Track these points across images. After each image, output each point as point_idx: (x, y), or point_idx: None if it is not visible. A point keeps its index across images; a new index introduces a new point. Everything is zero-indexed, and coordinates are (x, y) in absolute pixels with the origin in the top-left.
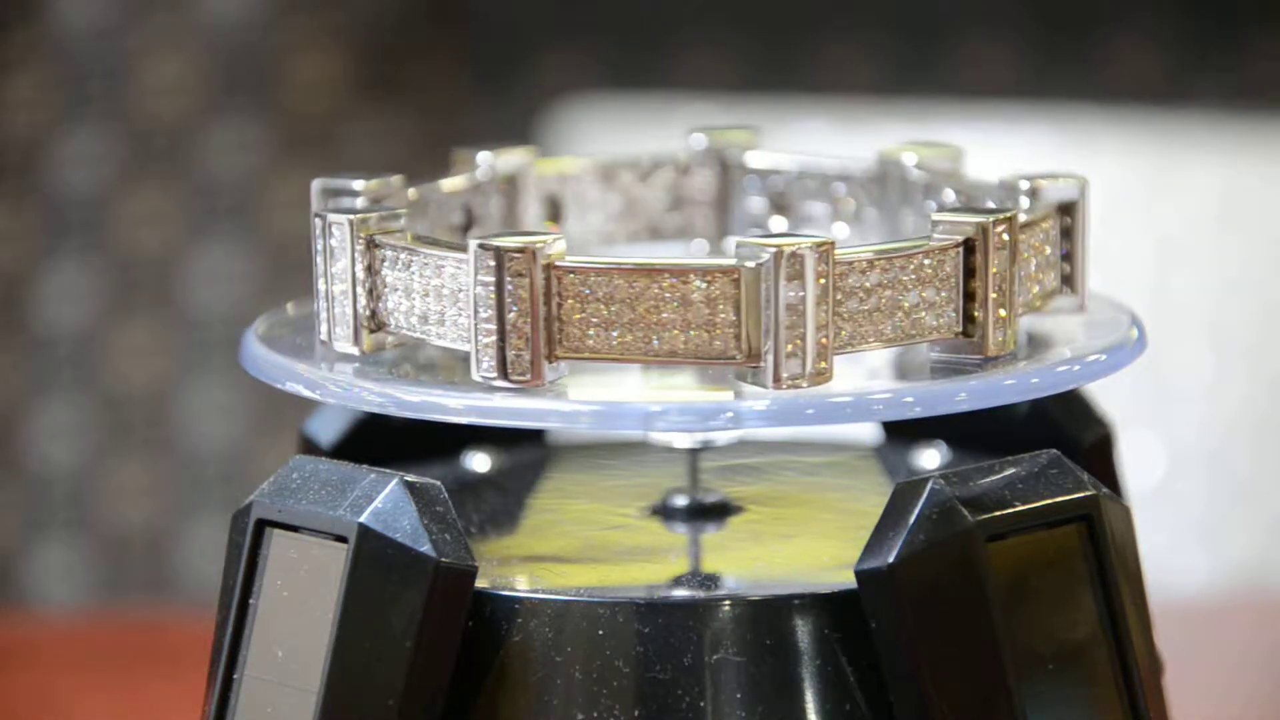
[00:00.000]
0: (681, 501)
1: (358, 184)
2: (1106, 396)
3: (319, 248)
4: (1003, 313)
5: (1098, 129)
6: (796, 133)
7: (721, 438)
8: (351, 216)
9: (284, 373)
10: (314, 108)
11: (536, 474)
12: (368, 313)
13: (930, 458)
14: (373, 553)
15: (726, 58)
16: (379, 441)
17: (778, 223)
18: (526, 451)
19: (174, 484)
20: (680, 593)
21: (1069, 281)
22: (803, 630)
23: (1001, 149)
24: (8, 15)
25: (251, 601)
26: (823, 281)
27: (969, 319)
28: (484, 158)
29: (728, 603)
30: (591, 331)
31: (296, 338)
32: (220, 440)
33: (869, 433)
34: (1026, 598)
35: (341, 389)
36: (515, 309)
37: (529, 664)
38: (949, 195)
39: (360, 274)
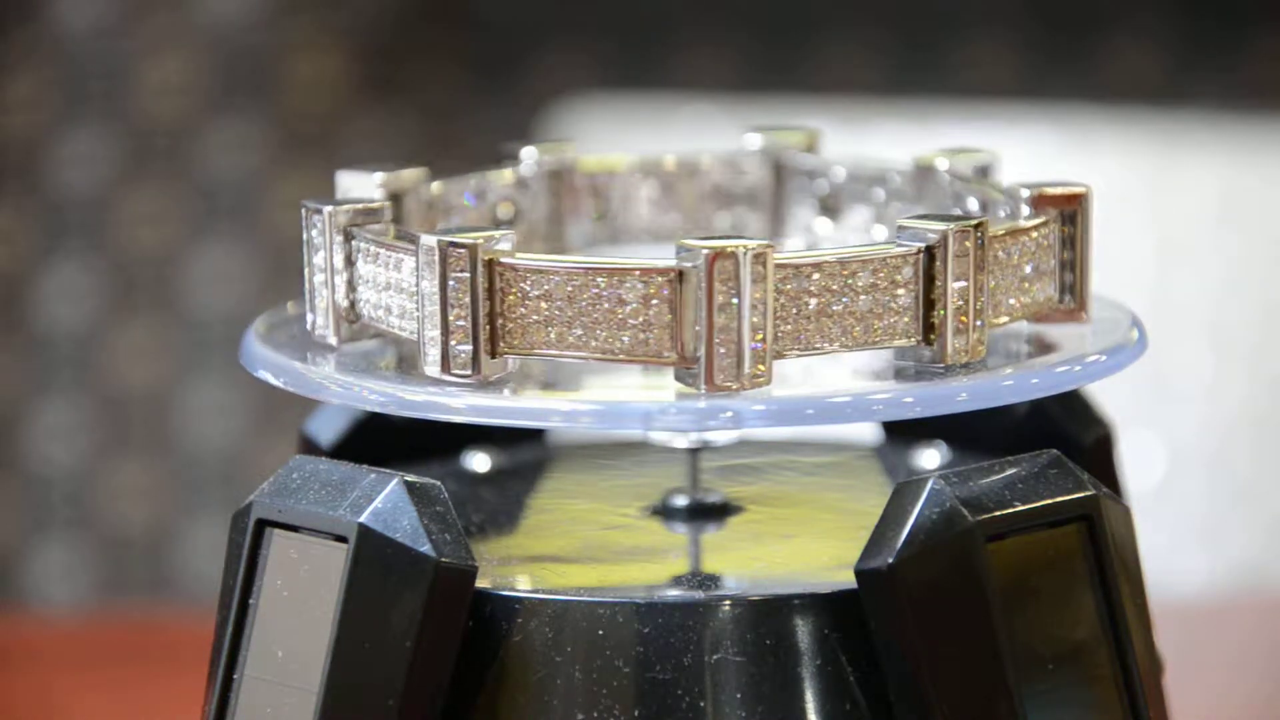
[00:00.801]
0: (681, 501)
1: (377, 176)
2: (1106, 396)
3: (304, 238)
4: (964, 320)
5: (1098, 129)
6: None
7: (721, 438)
8: (330, 208)
9: (284, 372)
10: (314, 108)
11: (536, 474)
12: (346, 303)
13: (930, 458)
14: (373, 553)
15: (726, 58)
16: (379, 441)
17: (822, 225)
18: (526, 451)
19: (174, 484)
20: (680, 593)
21: (1071, 291)
22: (803, 630)
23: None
24: (8, 15)
25: (251, 601)
26: (759, 285)
27: (929, 326)
28: (529, 152)
29: (728, 603)
30: (533, 328)
31: (297, 337)
32: (220, 440)
33: (869, 433)
34: (1026, 598)
35: (343, 388)
36: (456, 305)
37: (529, 664)
38: (972, 202)
39: (339, 265)
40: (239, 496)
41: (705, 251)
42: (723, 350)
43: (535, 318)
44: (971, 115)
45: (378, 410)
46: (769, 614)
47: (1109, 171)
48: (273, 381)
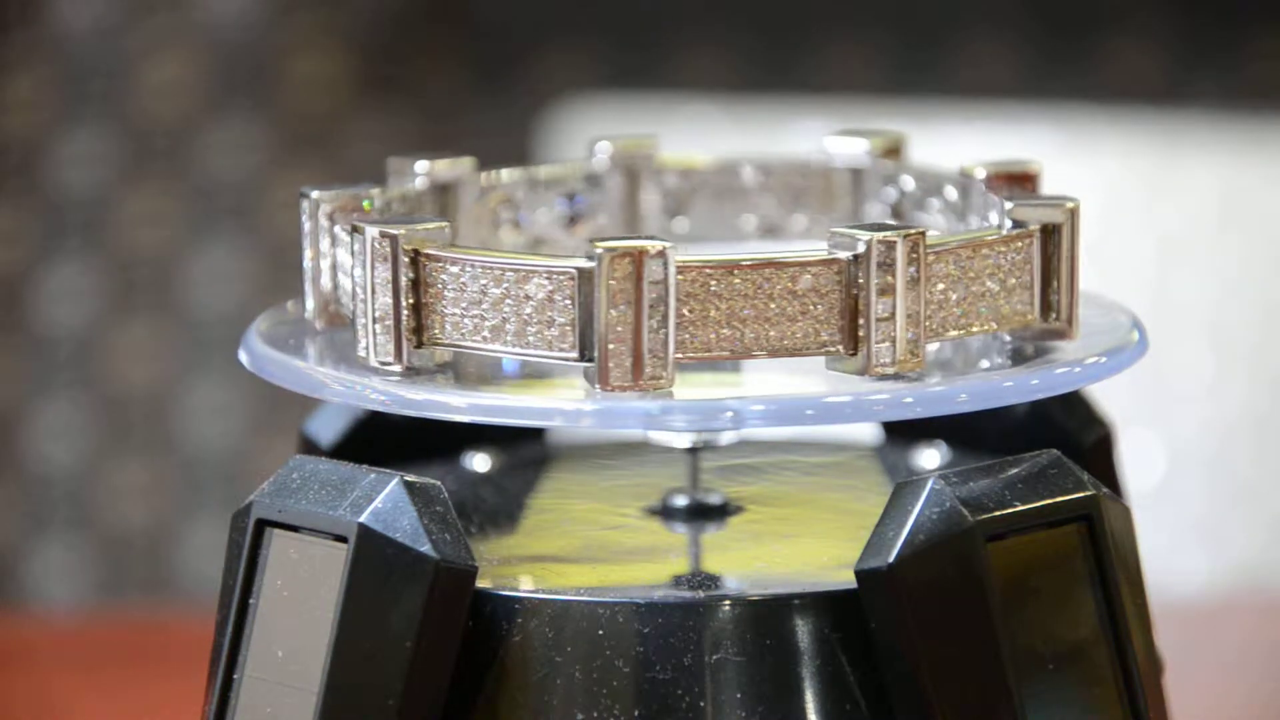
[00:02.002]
0: (681, 501)
1: (421, 164)
2: (1107, 396)
3: (300, 224)
4: (888, 332)
5: (1098, 129)
6: (796, 133)
7: (721, 438)
8: (318, 193)
9: (285, 371)
10: (314, 108)
11: (536, 474)
12: (330, 287)
13: (930, 458)
14: (373, 553)
15: (726, 58)
16: (379, 441)
17: None
18: (526, 451)
19: (174, 484)
20: (680, 593)
21: (1053, 307)
22: (803, 630)
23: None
24: (8, 15)
25: (251, 601)
26: (657, 285)
27: (853, 337)
28: (602, 147)
29: (728, 603)
30: (450, 321)
31: (298, 336)
32: (220, 440)
33: (869, 433)
34: (1026, 598)
35: (344, 387)
36: (381, 294)
37: (529, 664)
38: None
39: (325, 250)
40: (239, 496)
41: (601, 251)
42: (620, 350)
43: (454, 310)
44: (971, 115)
45: (379, 409)
46: (769, 614)
47: (1109, 171)
48: (273, 380)
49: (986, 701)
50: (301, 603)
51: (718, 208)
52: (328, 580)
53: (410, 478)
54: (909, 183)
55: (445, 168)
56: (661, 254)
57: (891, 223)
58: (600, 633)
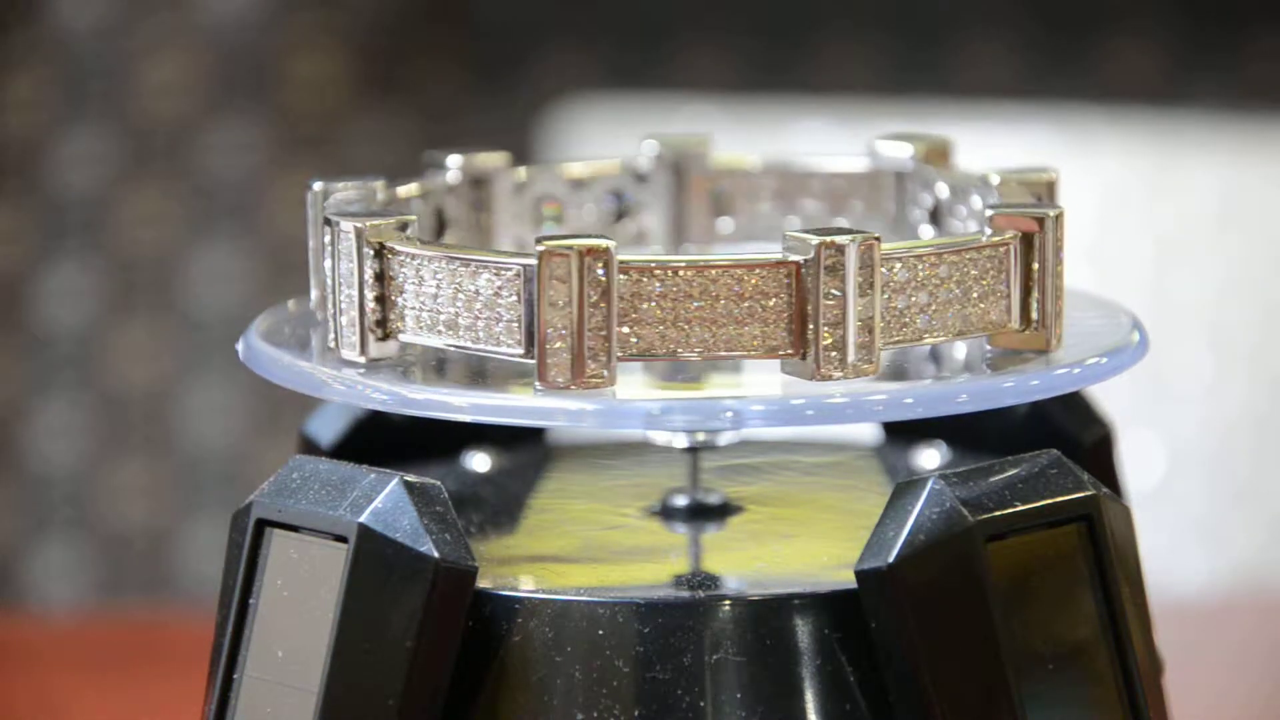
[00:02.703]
0: (681, 501)
1: (452, 158)
2: (1107, 397)
3: (305, 215)
4: (838, 337)
5: (1098, 129)
6: (796, 133)
7: (721, 438)
8: (319, 186)
9: (286, 370)
10: (314, 108)
11: (536, 474)
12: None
13: (930, 458)
14: (373, 553)
15: (726, 58)
16: (379, 441)
17: (925, 233)
18: (526, 451)
19: (174, 484)
20: (680, 593)
21: (1033, 316)
22: (803, 630)
23: (1001, 149)
24: (8, 15)
25: (251, 601)
26: (596, 286)
27: (802, 341)
28: (649, 146)
29: (728, 603)
30: (411, 314)
31: (299, 335)
32: (220, 440)
33: (869, 433)
34: (1026, 598)
35: (345, 386)
36: (347, 285)
37: (529, 664)
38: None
39: (327, 243)
40: (239, 496)
41: (542, 249)
42: (560, 347)
43: (415, 304)
44: (971, 115)
45: (380, 408)
46: (769, 614)
47: (1109, 171)
48: (274, 379)
49: (986, 701)
50: (301, 603)
51: (763, 209)
52: (328, 580)
53: (410, 478)
54: (943, 190)
55: (480, 161)
56: (603, 252)
57: (849, 227)
58: (600, 633)
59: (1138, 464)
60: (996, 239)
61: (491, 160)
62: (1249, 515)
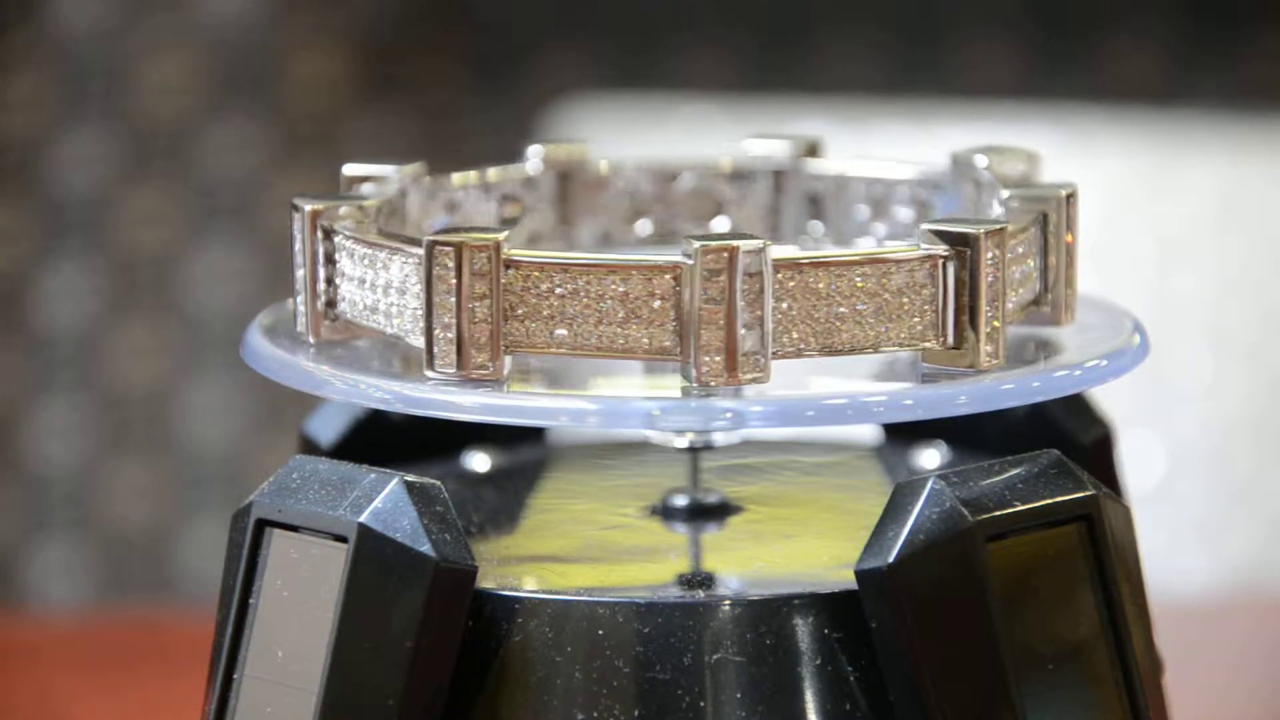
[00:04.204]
0: (681, 501)
1: (535, 149)
2: (1107, 397)
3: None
4: (719, 343)
5: (1098, 129)
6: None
7: (721, 438)
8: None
9: (287, 368)
10: (314, 108)
11: (536, 474)
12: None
13: (930, 458)
14: (373, 553)
15: (726, 58)
16: (379, 441)
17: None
18: (526, 451)
19: (174, 484)
20: (680, 593)
21: (962, 333)
22: (803, 630)
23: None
24: (8, 15)
25: (251, 601)
26: (484, 279)
27: (686, 344)
28: (753, 145)
29: (728, 603)
30: (346, 298)
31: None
32: (220, 440)
33: (869, 433)
34: (1026, 598)
35: (346, 385)
36: (299, 266)
37: (529, 664)
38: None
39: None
40: (239, 496)
41: (428, 240)
42: (447, 338)
43: (350, 289)
44: (971, 115)
45: (381, 407)
46: (769, 614)
47: (1109, 171)
48: (275, 378)
49: (986, 701)
50: (301, 603)
51: (852, 211)
52: (328, 580)
53: (410, 478)
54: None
55: (563, 153)
56: (487, 246)
57: (749, 234)
58: (600, 633)
59: (1138, 464)
60: (899, 254)
61: (574, 152)
62: (1249, 515)
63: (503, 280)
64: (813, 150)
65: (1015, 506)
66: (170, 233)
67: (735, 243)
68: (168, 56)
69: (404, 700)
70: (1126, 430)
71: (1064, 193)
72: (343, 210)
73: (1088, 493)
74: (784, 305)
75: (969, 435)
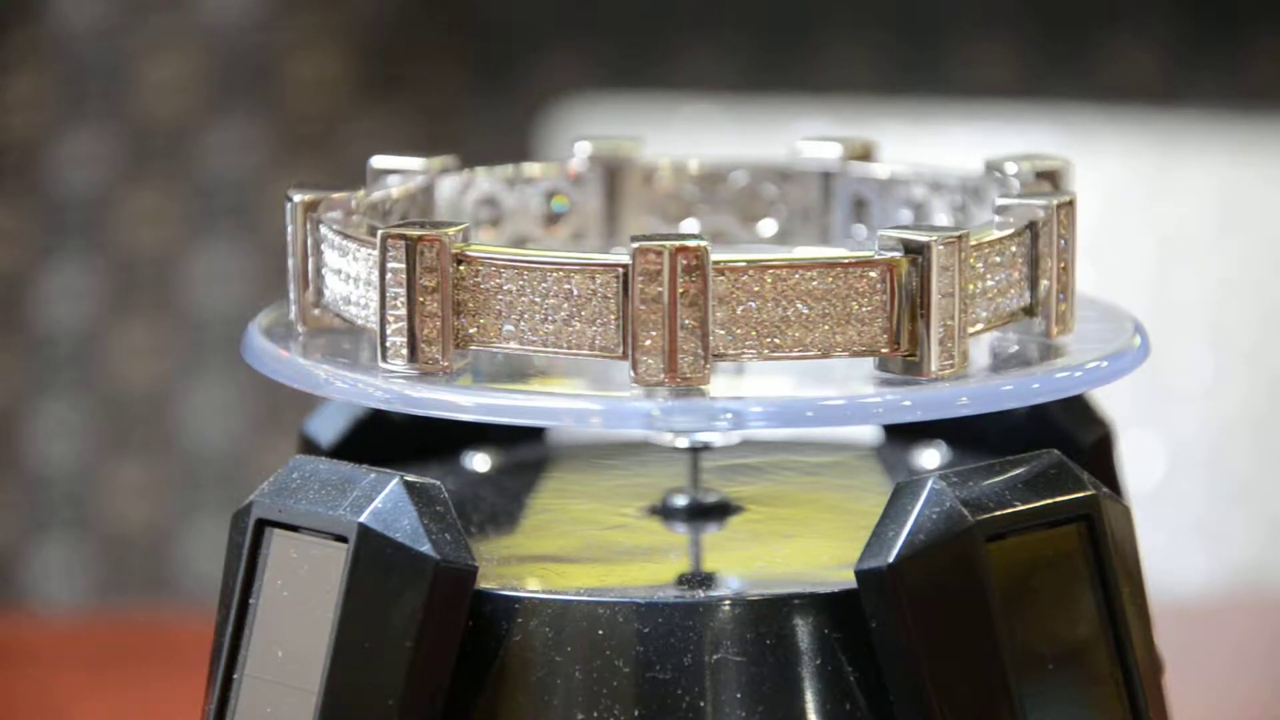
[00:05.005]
0: (681, 501)
1: (580, 149)
2: (1107, 397)
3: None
4: (658, 343)
5: (1098, 129)
6: (796, 133)
7: (721, 438)
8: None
9: (287, 367)
10: (314, 108)
11: (536, 474)
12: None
13: (930, 458)
14: (373, 553)
15: (726, 58)
16: (379, 441)
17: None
18: (526, 451)
19: (174, 484)
20: (680, 593)
21: (910, 338)
22: (803, 630)
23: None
24: (8, 15)
25: (251, 601)
26: (432, 273)
27: (627, 343)
28: (805, 147)
29: (728, 603)
30: (328, 292)
31: (300, 332)
32: (220, 440)
33: (869, 433)
34: (1026, 598)
35: (347, 385)
36: (293, 258)
37: (529, 664)
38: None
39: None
40: (239, 496)
41: (381, 232)
42: (398, 330)
43: (330, 281)
44: (971, 115)
45: (381, 407)
46: (769, 614)
47: (1109, 171)
48: (275, 377)
49: (986, 701)
50: (301, 603)
51: (895, 215)
52: (328, 580)
53: (410, 478)
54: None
55: (611, 149)
56: (434, 241)
57: (693, 235)
58: (600, 633)
59: (1138, 464)
60: (846, 259)
61: (623, 148)
62: (1249, 515)
63: (453, 275)
64: (866, 153)
65: (1015, 506)
66: (170, 233)
67: (673, 243)
68: (168, 56)
69: (404, 700)
70: (1126, 430)
71: (1055, 203)
72: (321, 198)
73: (1088, 493)
74: (727, 307)
75: (969, 435)
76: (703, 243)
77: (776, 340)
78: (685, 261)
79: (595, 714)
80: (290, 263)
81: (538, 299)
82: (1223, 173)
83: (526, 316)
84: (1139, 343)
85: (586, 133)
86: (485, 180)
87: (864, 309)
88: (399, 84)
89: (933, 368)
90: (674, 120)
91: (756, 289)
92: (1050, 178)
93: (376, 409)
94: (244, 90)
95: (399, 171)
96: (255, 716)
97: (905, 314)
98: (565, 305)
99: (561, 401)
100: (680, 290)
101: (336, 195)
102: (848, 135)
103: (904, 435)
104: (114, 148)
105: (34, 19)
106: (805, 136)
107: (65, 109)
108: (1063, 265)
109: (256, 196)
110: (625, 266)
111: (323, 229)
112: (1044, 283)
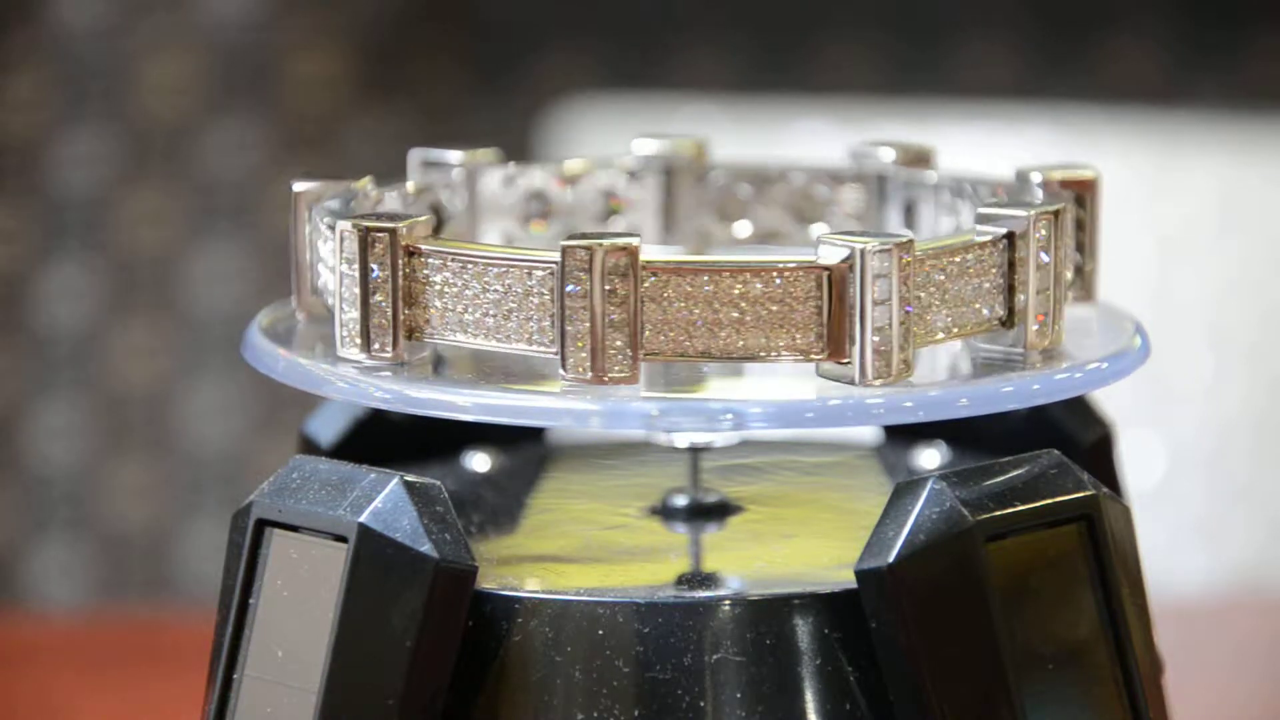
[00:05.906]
0: (681, 501)
1: (639, 143)
2: (1107, 397)
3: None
4: (589, 344)
5: (1098, 129)
6: (796, 133)
7: (721, 438)
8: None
9: (287, 367)
10: (314, 108)
11: (536, 474)
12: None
13: (930, 458)
14: (373, 553)
15: (726, 58)
16: (379, 441)
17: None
18: (526, 451)
19: (174, 484)
20: (680, 593)
21: (844, 351)
22: (803, 630)
23: (1001, 149)
24: (8, 15)
25: (251, 601)
26: (383, 266)
27: (561, 340)
28: (860, 149)
29: (728, 603)
30: (320, 281)
31: (300, 332)
32: (220, 440)
33: (869, 433)
34: (1026, 598)
35: (347, 384)
36: (294, 248)
37: (529, 664)
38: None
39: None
40: (239, 496)
41: (339, 225)
42: (352, 319)
43: (321, 268)
44: (971, 115)
45: (381, 407)
46: (769, 614)
47: (1109, 171)
48: (276, 376)
49: (986, 701)
50: (301, 603)
51: (939, 221)
52: (328, 580)
53: (410, 478)
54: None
55: (670, 148)
56: (383, 233)
57: (628, 233)
58: (600, 633)
59: (1138, 464)
60: (776, 266)
61: (678, 148)
62: (1249, 515)
63: (403, 267)
64: (924, 157)
65: (1015, 506)
66: (170, 233)
67: (600, 242)
68: (168, 56)
69: (404, 700)
70: (1126, 430)
71: (1034, 213)
72: (315, 190)
73: (1088, 493)
74: (657, 307)
75: (969, 435)
76: (634, 242)
77: (709, 342)
78: (615, 261)
79: (595, 714)
80: (292, 251)
81: (479, 293)
82: (1223, 173)
83: (469, 310)
84: (1139, 343)
85: (587, 133)
86: (538, 174)
87: (799, 314)
88: (399, 84)
89: (868, 374)
90: (674, 120)
91: (689, 290)
92: (1079, 186)
93: (376, 409)
94: (244, 90)
95: (439, 165)
96: (255, 716)
97: (841, 320)
98: (504, 300)
99: (561, 401)
100: (608, 289)
101: (337, 185)
102: (906, 140)
103: (904, 435)
104: (114, 148)
105: (34, 19)
106: (868, 141)
107: (65, 109)
108: (1042, 278)
109: (256, 196)
110: (553, 264)
111: (314, 218)
112: (1020, 295)
